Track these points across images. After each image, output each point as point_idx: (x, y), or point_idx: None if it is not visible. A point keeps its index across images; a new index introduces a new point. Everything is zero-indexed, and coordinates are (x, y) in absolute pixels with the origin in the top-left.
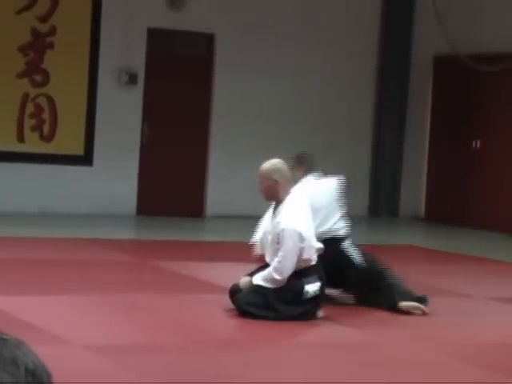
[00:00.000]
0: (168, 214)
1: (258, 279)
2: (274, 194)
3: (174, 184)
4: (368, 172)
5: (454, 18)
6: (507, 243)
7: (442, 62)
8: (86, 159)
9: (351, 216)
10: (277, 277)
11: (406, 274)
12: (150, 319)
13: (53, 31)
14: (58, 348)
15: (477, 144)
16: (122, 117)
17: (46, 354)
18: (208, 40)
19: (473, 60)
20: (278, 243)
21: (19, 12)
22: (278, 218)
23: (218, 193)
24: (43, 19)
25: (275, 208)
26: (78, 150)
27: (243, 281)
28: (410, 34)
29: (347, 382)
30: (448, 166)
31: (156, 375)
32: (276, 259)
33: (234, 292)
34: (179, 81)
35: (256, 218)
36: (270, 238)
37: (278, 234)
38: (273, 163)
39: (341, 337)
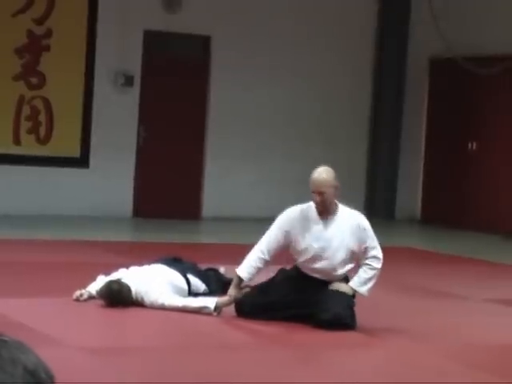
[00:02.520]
0: (164, 215)
1: (361, 287)
2: (332, 202)
3: (170, 186)
4: (364, 174)
5: (450, 19)
6: (504, 245)
7: (438, 63)
8: (82, 161)
9: None
10: (380, 266)
11: (403, 276)
12: (146, 321)
13: (49, 33)
14: (54, 350)
15: (473, 146)
16: (118, 119)
17: (41, 356)
18: (204, 42)
19: (469, 62)
20: (353, 249)
21: (15, 14)
22: (349, 223)
23: (215, 194)
24: (39, 21)
25: (322, 218)
26: (75, 152)
27: (221, 301)
28: (406, 35)
29: (345, 382)
30: (444, 168)
31: (152, 377)
32: (373, 252)
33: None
34: (175, 83)
35: (254, 220)
36: (333, 251)
37: (365, 231)
38: (327, 169)
39: (338, 338)
